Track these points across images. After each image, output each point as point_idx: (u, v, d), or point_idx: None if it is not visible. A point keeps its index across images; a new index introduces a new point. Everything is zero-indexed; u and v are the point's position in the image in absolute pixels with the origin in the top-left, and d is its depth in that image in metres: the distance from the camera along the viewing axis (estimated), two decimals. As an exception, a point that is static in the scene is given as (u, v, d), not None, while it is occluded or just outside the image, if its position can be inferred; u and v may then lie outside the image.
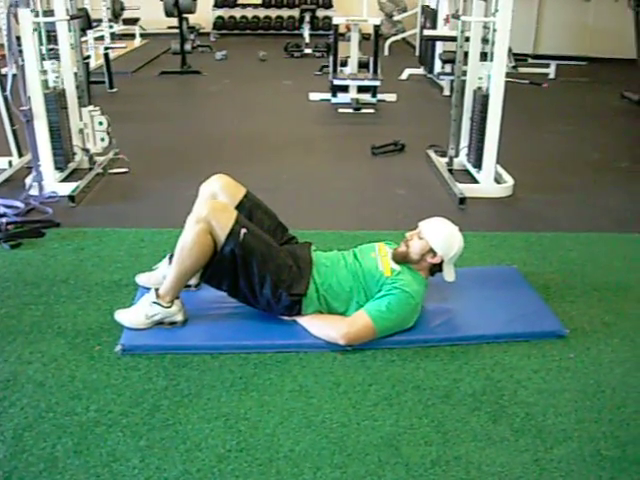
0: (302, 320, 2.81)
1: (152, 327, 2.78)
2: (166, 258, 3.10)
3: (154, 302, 2.77)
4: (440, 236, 2.85)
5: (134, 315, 2.80)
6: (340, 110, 7.37)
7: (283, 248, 2.92)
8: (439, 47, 8.65)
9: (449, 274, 2.90)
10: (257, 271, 2.72)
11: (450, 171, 5.02)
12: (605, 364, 2.67)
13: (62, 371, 2.55)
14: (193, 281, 2.96)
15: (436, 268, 2.90)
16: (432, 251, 2.83)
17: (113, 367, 2.57)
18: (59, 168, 4.65)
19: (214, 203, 2.87)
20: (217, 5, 14.16)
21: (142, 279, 3.15)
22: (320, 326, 2.76)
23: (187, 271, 2.77)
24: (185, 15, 9.43)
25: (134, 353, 2.65)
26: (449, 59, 7.70)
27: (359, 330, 2.69)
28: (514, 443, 2.22)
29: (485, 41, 4.80)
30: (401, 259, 2.85)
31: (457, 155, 5.16)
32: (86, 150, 4.98)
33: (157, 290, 2.80)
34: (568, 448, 2.20)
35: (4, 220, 3.86)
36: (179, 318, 2.81)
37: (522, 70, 9.01)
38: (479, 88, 4.75)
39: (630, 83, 7.93)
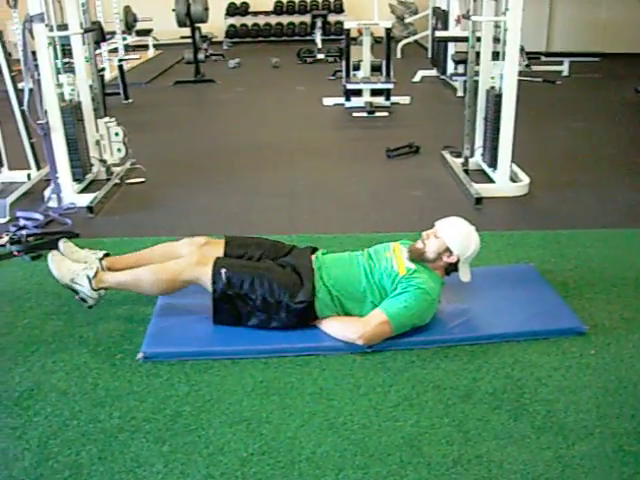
0: (319, 323, 2.83)
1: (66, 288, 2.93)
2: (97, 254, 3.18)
3: (88, 277, 2.89)
4: (457, 235, 2.86)
5: (64, 269, 2.94)
6: (354, 114, 7.39)
7: (278, 262, 2.98)
8: (451, 48, 8.66)
9: (465, 274, 2.91)
10: (256, 297, 2.79)
11: (466, 171, 5.02)
12: (626, 360, 2.66)
13: (85, 379, 2.58)
14: None
15: (452, 267, 2.90)
16: (448, 250, 2.84)
17: (135, 374, 2.60)
18: (77, 180, 4.70)
19: (190, 260, 2.92)
20: (229, 13, 14.25)
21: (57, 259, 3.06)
22: (337, 327, 2.78)
23: (138, 289, 2.98)
24: (197, 24, 9.50)
25: (155, 360, 2.67)
26: (461, 60, 7.69)
27: (375, 328, 2.70)
28: (535, 441, 2.22)
29: (497, 40, 4.80)
30: (417, 257, 2.86)
31: (472, 155, 5.16)
32: (103, 161, 5.03)
33: (96, 271, 2.93)
34: (590, 444, 2.20)
35: (24, 232, 3.92)
36: (90, 302, 2.94)
37: (535, 68, 8.98)
38: (492, 88, 4.75)
39: (644, 78, 7.89)
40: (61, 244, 3.16)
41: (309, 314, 2.81)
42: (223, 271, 2.80)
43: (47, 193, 4.57)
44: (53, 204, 4.49)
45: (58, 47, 4.53)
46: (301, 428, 2.29)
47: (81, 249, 3.21)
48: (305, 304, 2.78)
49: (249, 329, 2.86)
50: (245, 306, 2.80)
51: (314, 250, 3.09)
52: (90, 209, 4.37)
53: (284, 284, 2.81)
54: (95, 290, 2.91)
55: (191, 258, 2.92)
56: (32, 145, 5.01)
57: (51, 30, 4.39)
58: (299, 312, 2.79)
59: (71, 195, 4.57)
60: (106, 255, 3.19)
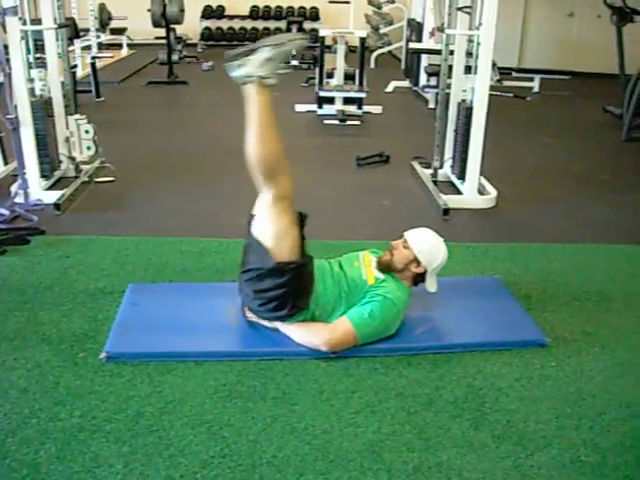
0: (285, 328, 2.82)
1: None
2: None
3: (264, 74, 2.73)
4: (425, 246, 2.89)
5: (263, 56, 2.72)
6: (326, 122, 7.41)
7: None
8: (424, 60, 8.74)
9: (431, 285, 2.94)
10: (285, 285, 2.74)
11: (434, 182, 5.06)
12: (586, 372, 2.70)
13: (46, 377, 2.55)
14: None
15: (419, 278, 2.93)
16: (416, 260, 2.86)
17: (97, 374, 2.58)
18: (45, 176, 4.65)
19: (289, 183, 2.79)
20: (204, 16, 14.23)
21: None
22: (303, 333, 2.77)
23: (256, 130, 2.83)
24: (172, 26, 9.49)
25: (118, 360, 2.65)
26: (434, 72, 7.76)
27: (341, 336, 2.71)
28: (495, 449, 2.24)
29: (469, 54, 4.85)
30: (385, 267, 2.88)
31: (441, 167, 5.20)
32: (72, 158, 4.98)
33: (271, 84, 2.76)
34: (549, 454, 2.23)
35: (-11, 227, 3.87)
36: (240, 71, 2.76)
37: (506, 83, 9.08)
38: (463, 101, 4.80)
39: (612, 97, 8.00)
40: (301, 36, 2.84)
41: (288, 317, 2.78)
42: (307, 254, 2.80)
43: (14, 188, 4.51)
44: (20, 200, 4.44)
45: (30, 41, 4.48)
46: (263, 432, 2.29)
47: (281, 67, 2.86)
48: (297, 310, 2.76)
49: (213, 332, 2.85)
50: (281, 282, 2.73)
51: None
52: (57, 206, 4.32)
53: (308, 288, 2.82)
54: (246, 80, 2.75)
55: (292, 185, 2.80)
56: (0, 139, 4.94)
57: (24, 24, 4.35)
58: (284, 315, 2.77)
59: (38, 191, 4.52)
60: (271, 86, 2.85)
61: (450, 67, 5.01)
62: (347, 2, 9.49)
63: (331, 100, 7.68)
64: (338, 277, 2.88)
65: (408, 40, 9.97)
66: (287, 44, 2.70)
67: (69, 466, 2.10)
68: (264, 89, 2.73)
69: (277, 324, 2.84)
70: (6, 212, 4.20)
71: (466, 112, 4.68)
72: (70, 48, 7.26)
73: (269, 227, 2.73)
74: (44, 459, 2.13)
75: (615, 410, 2.47)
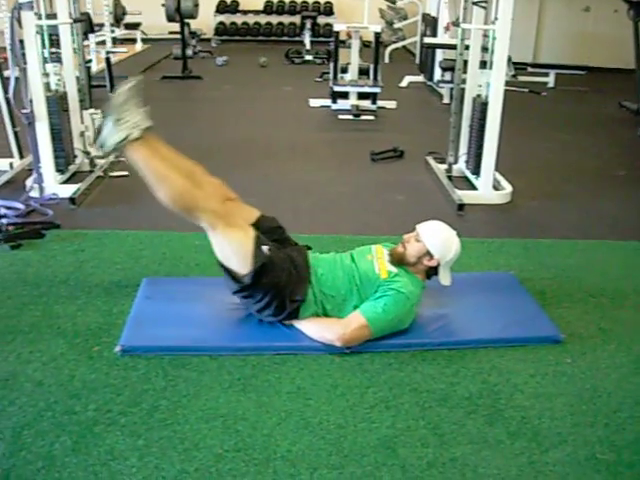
0: (299, 323, 2.83)
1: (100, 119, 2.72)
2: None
3: (128, 135, 2.69)
4: (437, 239, 2.88)
5: (124, 105, 2.73)
6: (340, 116, 7.40)
7: (282, 252, 2.90)
8: (439, 55, 8.69)
9: (445, 278, 2.93)
10: (277, 284, 2.74)
11: (449, 177, 5.04)
12: (601, 369, 2.68)
13: (61, 370, 2.56)
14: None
15: (432, 271, 2.92)
16: (429, 254, 2.85)
17: (112, 367, 2.59)
18: (60, 170, 4.67)
19: (216, 207, 2.77)
20: (219, 11, 14.22)
21: None
22: (316, 329, 2.77)
23: (157, 183, 2.76)
24: (187, 20, 9.49)
25: (133, 354, 2.66)
26: (449, 67, 7.73)
27: (354, 331, 2.70)
28: (510, 446, 2.23)
29: (485, 49, 4.83)
30: (398, 260, 2.87)
31: (456, 162, 5.19)
32: (87, 153, 5.00)
33: (138, 137, 2.71)
34: (563, 452, 2.22)
35: (4, 221, 3.88)
36: (98, 148, 2.78)
37: (521, 79, 9.06)
38: (478, 96, 4.78)
39: (628, 92, 7.96)
40: (134, 80, 2.79)
41: (293, 313, 2.80)
42: (266, 248, 2.74)
43: (29, 183, 4.54)
44: (35, 194, 4.46)
45: (46, 36, 4.50)
46: (277, 426, 2.29)
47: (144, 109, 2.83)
48: (297, 304, 2.78)
49: (227, 325, 2.86)
50: (261, 289, 2.74)
51: (308, 248, 3.07)
52: (72, 200, 4.34)
53: (289, 279, 2.78)
54: (115, 147, 2.69)
55: (218, 206, 2.78)
56: (16, 134, 4.96)
57: (40, 19, 4.37)
58: (290, 310, 2.78)
59: (53, 186, 4.54)
60: (145, 130, 2.79)
61: (465, 62, 4.98)
62: (361, -3, 9.45)
63: (345, 95, 7.66)
64: (350, 270, 2.88)
65: (423, 35, 9.93)
66: (119, 97, 2.70)
67: (84, 459, 2.11)
68: (134, 146, 2.71)
69: (291, 321, 2.84)
70: (21, 206, 4.22)
71: (481, 107, 4.65)
72: (85, 43, 7.28)
73: (223, 251, 2.75)
74: (59, 452, 2.14)
75: (631, 408, 2.45)
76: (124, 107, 2.68)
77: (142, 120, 2.74)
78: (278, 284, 2.74)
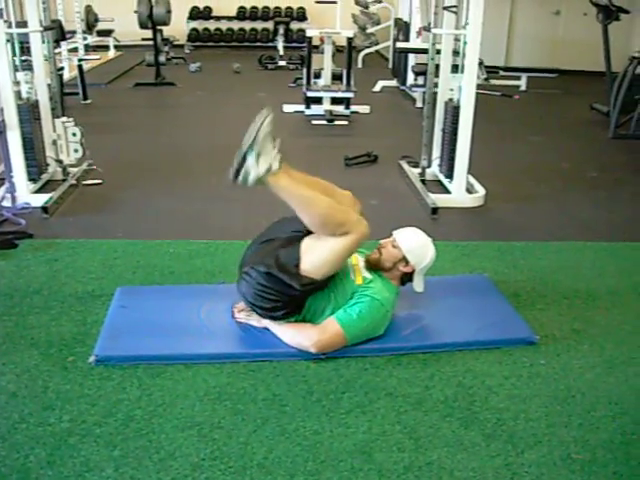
0: (274, 328, 2.82)
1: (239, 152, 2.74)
2: None
3: (269, 165, 2.71)
4: (413, 246, 2.89)
5: (264, 139, 2.73)
6: (314, 122, 7.41)
7: None
8: (411, 59, 8.73)
9: (419, 284, 2.95)
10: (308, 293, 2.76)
11: (422, 181, 5.06)
12: (575, 370, 2.71)
13: (35, 382, 2.54)
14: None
15: (407, 277, 2.94)
16: (405, 260, 2.87)
17: (86, 377, 2.57)
18: (32, 179, 4.63)
19: (359, 221, 2.78)
20: (192, 17, 14.20)
21: None
22: (291, 334, 2.77)
23: (305, 207, 2.74)
24: (159, 27, 9.44)
25: (107, 364, 2.64)
26: (421, 71, 7.76)
27: (329, 338, 2.71)
28: (485, 448, 2.25)
29: (456, 53, 4.87)
30: (373, 265, 2.89)
31: (429, 166, 5.21)
32: (59, 161, 4.96)
33: (279, 167, 2.72)
34: (539, 452, 2.23)
35: (-24, 231, 3.84)
36: (239, 179, 2.76)
37: (494, 82, 9.13)
38: (450, 100, 4.81)
39: (599, 95, 8.04)
40: (270, 114, 2.79)
41: (281, 318, 2.80)
42: None
43: (1, 192, 4.49)
44: (7, 203, 4.42)
45: (16, 44, 4.47)
46: (253, 434, 2.29)
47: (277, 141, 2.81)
48: (295, 312, 2.79)
49: (202, 334, 2.85)
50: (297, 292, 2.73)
51: None
52: (45, 209, 4.30)
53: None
54: (259, 181, 2.71)
55: (356, 216, 2.80)
56: (-13, 143, 4.92)
57: (10, 27, 4.33)
58: (282, 313, 2.78)
59: (26, 195, 4.50)
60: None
61: (437, 66, 5.02)
62: (334, 2, 9.47)
63: (319, 100, 7.68)
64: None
65: (395, 39, 9.98)
66: (261, 132, 2.72)
67: (59, 471, 2.10)
68: (277, 175, 2.72)
69: (266, 322, 2.84)
70: (-7, 216, 4.18)
71: (453, 111, 4.69)
72: (57, 50, 7.22)
73: (330, 253, 2.72)
74: (34, 464, 2.12)
75: (604, 407, 2.48)
76: (265, 141, 2.72)
77: (278, 152, 2.76)
78: (303, 297, 2.76)
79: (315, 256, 2.71)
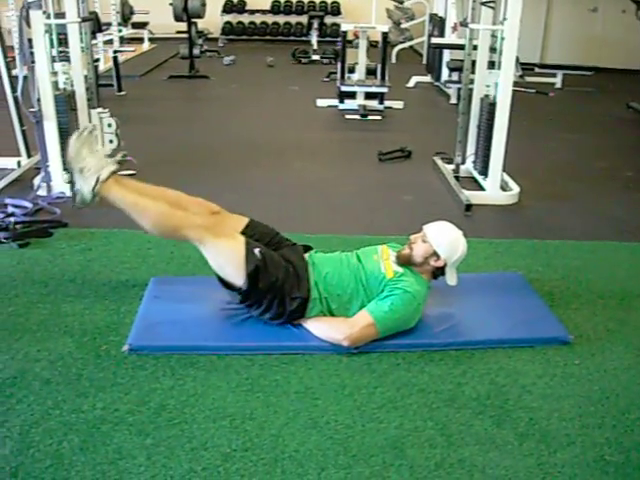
0: (305, 323, 2.83)
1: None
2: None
3: (97, 177, 2.79)
4: (444, 240, 2.87)
5: (81, 153, 2.81)
6: (347, 116, 7.40)
7: (279, 253, 2.92)
8: (446, 55, 8.69)
9: (451, 278, 2.92)
10: (274, 284, 2.76)
11: (456, 178, 5.03)
12: (609, 371, 2.67)
13: (69, 369, 2.56)
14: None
15: (439, 272, 2.92)
16: (436, 254, 2.85)
17: (120, 366, 2.59)
18: (67, 169, 4.66)
19: (202, 222, 2.86)
20: (226, 10, 14.23)
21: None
22: (323, 328, 2.77)
23: (137, 216, 2.84)
24: (194, 20, 9.48)
25: (141, 353, 2.66)
26: (456, 67, 7.73)
27: (361, 331, 2.70)
28: (518, 447, 2.23)
29: (493, 50, 4.82)
30: (404, 261, 2.87)
31: (464, 162, 5.18)
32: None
33: (108, 177, 2.80)
34: (572, 453, 2.21)
35: (12, 219, 3.88)
36: (79, 201, 2.86)
37: (529, 79, 9.03)
38: (486, 96, 4.77)
39: (636, 93, 7.95)
40: (86, 130, 2.91)
41: (298, 312, 2.80)
42: (257, 250, 2.76)
43: (37, 181, 4.55)
44: (42, 192, 4.47)
45: (54, 35, 4.51)
46: (285, 426, 2.29)
47: (101, 151, 2.97)
48: (300, 301, 2.78)
49: (235, 325, 2.86)
50: (261, 292, 2.76)
51: (306, 249, 3.08)
52: (80, 199, 4.34)
53: (287, 278, 2.80)
54: (94, 195, 2.80)
55: (203, 220, 2.85)
56: (24, 132, 4.97)
57: (48, 18, 4.37)
58: (293, 309, 2.78)
59: (61, 184, 4.54)
60: (114, 172, 2.89)
61: (473, 62, 4.98)
62: (369, -4, 9.44)
63: (353, 95, 7.66)
64: (356, 269, 2.88)
65: (430, 35, 9.93)
66: (72, 149, 2.81)
67: (92, 457, 2.12)
68: (107, 184, 2.81)
69: (298, 320, 2.84)
70: (29, 205, 4.23)
71: (489, 108, 4.64)
72: (93, 42, 7.28)
73: (217, 262, 2.80)
74: (67, 450, 2.14)
75: (639, 409, 2.44)
76: (80, 157, 2.80)
77: (105, 162, 2.86)
78: (275, 283, 2.75)
79: (217, 264, 2.80)
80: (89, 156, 2.82)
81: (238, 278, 2.74)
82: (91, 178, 2.78)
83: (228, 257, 2.77)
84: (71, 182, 2.82)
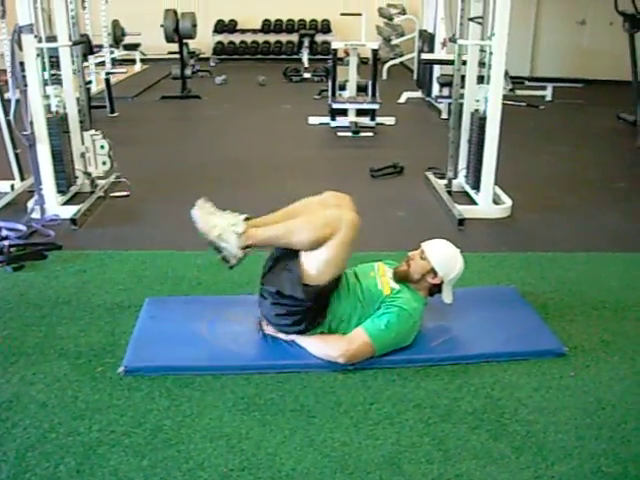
0: (301, 340, 2.83)
1: (210, 247, 2.80)
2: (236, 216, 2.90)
3: (236, 232, 2.75)
4: (442, 257, 2.89)
5: (210, 223, 2.79)
6: (339, 134, 7.43)
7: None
8: (436, 70, 8.73)
9: (447, 296, 2.94)
10: (326, 301, 2.80)
11: (449, 193, 5.05)
12: (605, 382, 2.68)
13: (65, 392, 2.56)
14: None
15: (435, 289, 2.93)
16: (433, 271, 2.87)
17: (115, 388, 2.59)
18: (61, 191, 4.69)
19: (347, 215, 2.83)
20: (217, 30, 14.31)
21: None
22: (319, 346, 2.78)
23: (290, 240, 2.75)
24: (185, 40, 9.52)
25: (136, 374, 2.66)
26: (446, 82, 7.77)
27: (357, 348, 2.71)
28: (515, 460, 2.23)
29: (482, 64, 4.86)
30: (402, 278, 2.88)
31: (456, 177, 5.20)
32: (88, 174, 5.02)
33: (245, 228, 2.78)
34: (569, 465, 2.21)
35: (6, 243, 3.87)
36: (233, 262, 2.79)
37: (519, 92, 9.08)
38: (476, 110, 4.80)
39: (625, 104, 7.99)
40: (201, 201, 2.92)
41: (306, 330, 2.80)
42: None
43: (30, 204, 4.55)
44: (36, 215, 4.47)
45: (46, 58, 4.53)
46: (282, 444, 2.29)
47: (221, 210, 2.92)
48: (320, 320, 2.81)
49: (231, 345, 2.85)
50: (311, 305, 2.76)
51: None
52: (74, 221, 4.35)
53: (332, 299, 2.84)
54: (241, 248, 2.76)
55: (340, 213, 2.84)
56: (17, 156, 4.99)
57: (40, 41, 4.40)
58: (306, 326, 2.79)
59: (55, 207, 4.55)
60: (247, 219, 2.87)
61: (463, 77, 5.02)
62: (358, 14, 9.50)
63: (344, 112, 7.71)
64: (354, 287, 2.89)
65: (420, 51, 9.98)
66: (200, 221, 2.83)
67: (89, 480, 2.11)
68: (248, 234, 2.79)
69: (294, 337, 2.84)
70: (23, 228, 4.23)
71: (479, 122, 4.68)
72: (84, 64, 7.31)
73: (320, 256, 2.72)
74: (64, 473, 2.14)
75: (635, 420, 2.45)
76: (211, 225, 2.80)
77: (231, 216, 2.85)
78: (327, 301, 2.79)
79: (315, 260, 2.71)
80: (217, 220, 2.81)
81: (305, 279, 2.72)
82: (231, 237, 2.76)
83: (343, 256, 2.75)
84: (216, 249, 2.79)
